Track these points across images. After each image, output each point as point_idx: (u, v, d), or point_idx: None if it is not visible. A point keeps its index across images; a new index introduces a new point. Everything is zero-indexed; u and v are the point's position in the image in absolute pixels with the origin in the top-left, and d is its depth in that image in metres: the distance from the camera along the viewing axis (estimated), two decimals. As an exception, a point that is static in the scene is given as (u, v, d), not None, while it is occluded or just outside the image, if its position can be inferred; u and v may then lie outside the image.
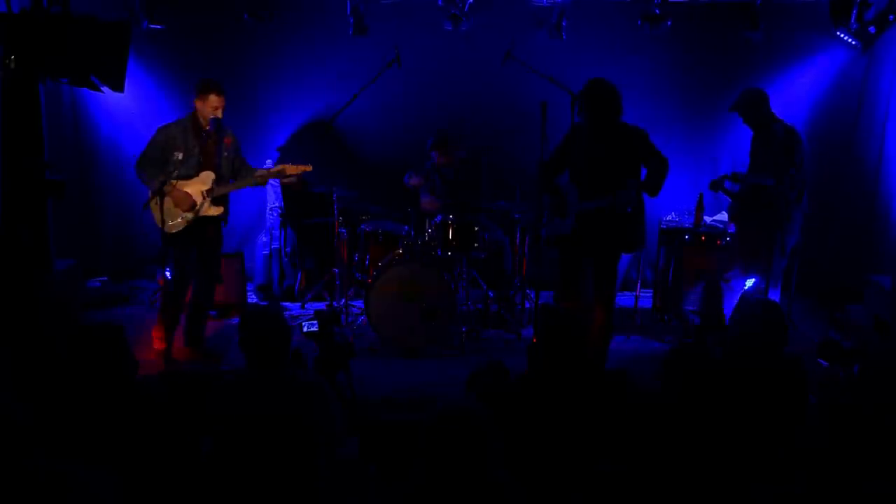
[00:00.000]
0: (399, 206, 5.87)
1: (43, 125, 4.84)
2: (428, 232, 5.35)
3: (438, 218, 5.27)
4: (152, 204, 4.48)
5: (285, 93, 6.29)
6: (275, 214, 6.10)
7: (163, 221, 4.41)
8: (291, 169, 4.73)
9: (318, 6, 6.05)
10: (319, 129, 6.15)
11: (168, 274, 4.67)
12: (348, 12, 5.77)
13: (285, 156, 6.18)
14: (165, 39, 5.95)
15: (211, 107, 4.49)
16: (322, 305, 5.71)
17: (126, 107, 6.03)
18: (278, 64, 6.20)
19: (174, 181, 4.49)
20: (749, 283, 4.99)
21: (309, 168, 4.77)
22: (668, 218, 5.89)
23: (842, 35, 5.80)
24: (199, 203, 4.57)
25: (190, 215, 4.56)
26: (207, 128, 4.53)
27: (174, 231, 4.54)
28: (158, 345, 4.73)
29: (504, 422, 2.54)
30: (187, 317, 4.80)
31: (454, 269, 5.42)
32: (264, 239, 6.18)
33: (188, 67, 5.85)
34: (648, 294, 6.08)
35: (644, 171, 4.33)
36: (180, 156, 4.49)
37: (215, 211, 4.66)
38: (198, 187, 4.57)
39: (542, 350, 3.08)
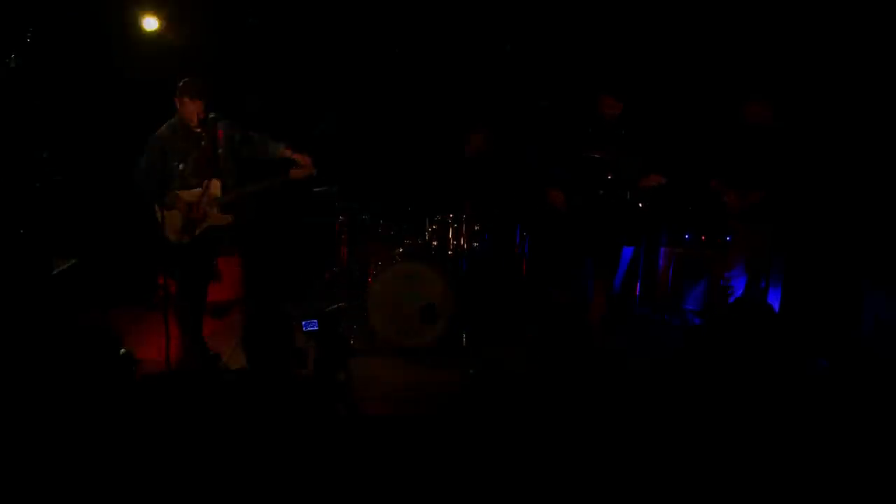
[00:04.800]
0: (400, 205, 5.87)
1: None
2: (428, 231, 5.35)
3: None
4: (157, 215, 4.34)
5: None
6: None
7: (169, 233, 4.26)
8: (296, 173, 4.54)
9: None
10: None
11: (175, 281, 4.51)
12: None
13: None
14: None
15: (187, 111, 4.27)
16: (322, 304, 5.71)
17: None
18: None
19: (179, 192, 4.34)
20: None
21: (314, 172, 4.57)
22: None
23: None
24: (205, 213, 4.42)
25: (195, 226, 4.41)
26: (197, 129, 4.30)
27: (181, 242, 4.39)
28: (176, 351, 4.49)
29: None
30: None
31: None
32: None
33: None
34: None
35: None
36: (180, 165, 4.27)
37: (224, 220, 4.49)
38: (203, 197, 4.40)
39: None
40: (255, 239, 6.16)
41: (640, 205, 5.03)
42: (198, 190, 4.41)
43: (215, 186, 4.44)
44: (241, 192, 4.50)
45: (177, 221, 4.36)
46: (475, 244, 5.30)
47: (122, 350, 3.82)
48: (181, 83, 4.30)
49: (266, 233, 6.16)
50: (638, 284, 5.96)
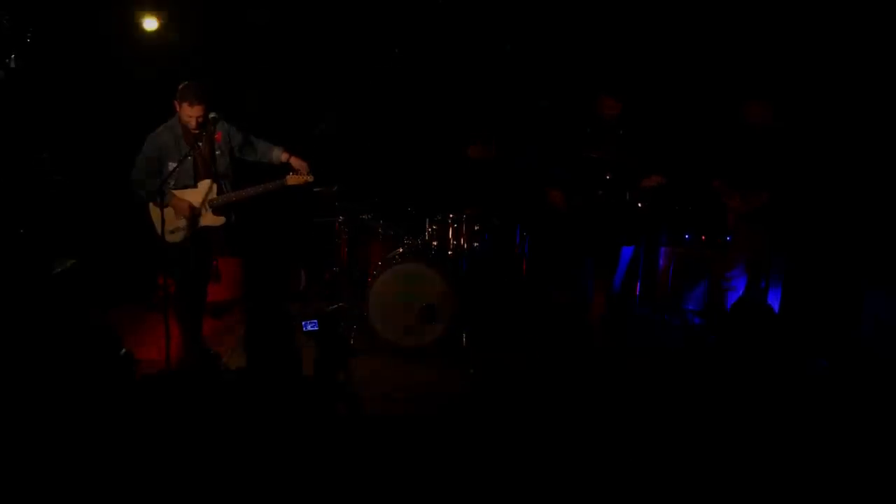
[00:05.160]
0: (401, 205, 5.87)
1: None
2: (428, 231, 5.35)
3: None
4: (152, 213, 4.36)
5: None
6: None
7: (162, 231, 4.23)
8: (293, 179, 4.52)
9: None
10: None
11: (174, 280, 4.51)
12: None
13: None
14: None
15: (186, 115, 4.23)
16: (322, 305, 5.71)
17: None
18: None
19: (174, 192, 4.35)
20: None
21: (311, 178, 4.56)
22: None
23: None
24: (199, 213, 4.44)
25: (188, 225, 4.41)
26: (195, 131, 4.30)
27: (174, 241, 4.40)
28: (176, 351, 4.47)
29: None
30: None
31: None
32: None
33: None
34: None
35: None
36: (174, 166, 4.24)
37: (217, 221, 4.50)
38: (198, 197, 4.42)
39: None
40: (254, 239, 6.17)
41: (640, 205, 5.04)
42: (193, 190, 4.43)
43: (210, 188, 4.45)
44: (236, 195, 4.50)
45: (172, 221, 4.37)
46: (475, 244, 5.30)
47: (123, 350, 3.82)
48: (181, 87, 4.26)
49: (265, 233, 6.16)
50: (638, 284, 5.96)
